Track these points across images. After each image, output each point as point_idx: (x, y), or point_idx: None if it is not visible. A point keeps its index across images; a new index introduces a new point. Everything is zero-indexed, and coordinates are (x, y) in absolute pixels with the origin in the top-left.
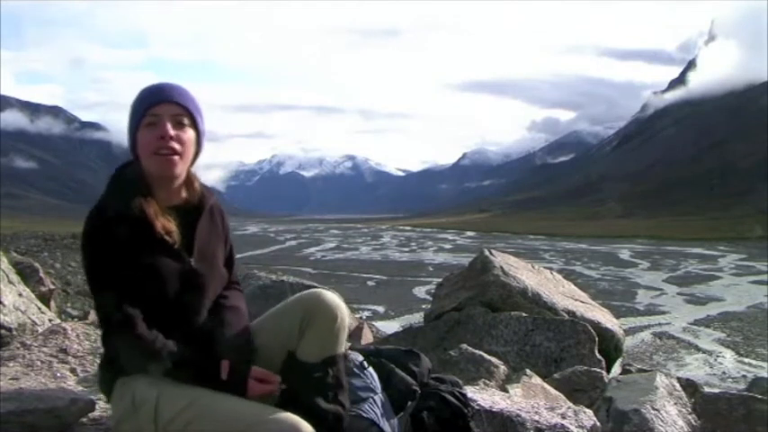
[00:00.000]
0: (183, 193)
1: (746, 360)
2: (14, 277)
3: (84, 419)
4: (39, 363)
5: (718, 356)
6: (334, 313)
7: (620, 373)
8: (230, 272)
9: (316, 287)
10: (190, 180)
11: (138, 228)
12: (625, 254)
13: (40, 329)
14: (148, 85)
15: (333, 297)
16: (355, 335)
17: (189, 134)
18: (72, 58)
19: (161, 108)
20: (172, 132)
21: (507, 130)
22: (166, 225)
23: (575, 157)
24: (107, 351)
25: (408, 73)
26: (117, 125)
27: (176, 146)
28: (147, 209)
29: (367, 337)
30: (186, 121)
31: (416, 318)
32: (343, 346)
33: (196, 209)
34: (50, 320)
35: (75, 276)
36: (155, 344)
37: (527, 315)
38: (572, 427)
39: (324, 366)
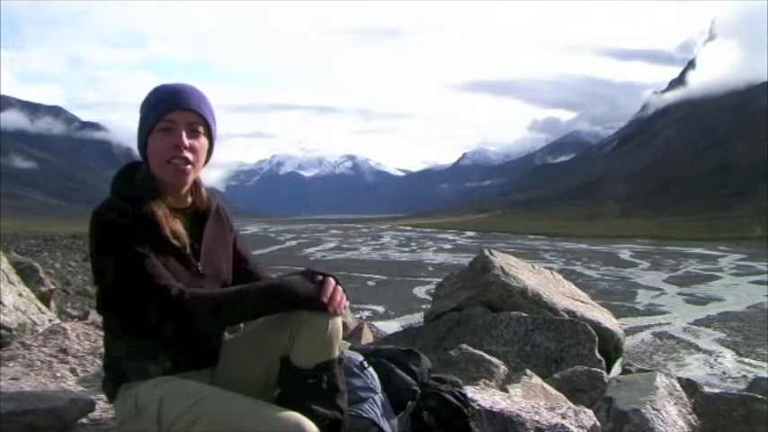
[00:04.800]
0: (189, 198)
1: (746, 360)
2: (14, 277)
3: (84, 419)
4: (39, 363)
5: (718, 356)
6: (325, 320)
7: (620, 373)
8: (247, 260)
9: None
10: (197, 185)
11: (148, 229)
12: (625, 254)
13: (40, 329)
14: (163, 85)
15: None
16: (355, 335)
17: (202, 142)
18: (71, 58)
19: (177, 115)
20: (186, 142)
21: (507, 130)
22: (175, 228)
23: (575, 157)
24: (109, 355)
25: (408, 73)
26: (117, 125)
27: (189, 156)
28: (156, 211)
29: (367, 337)
30: (201, 129)
31: (416, 318)
32: (338, 350)
33: (202, 213)
34: (50, 320)
35: (75, 276)
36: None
37: (527, 315)
38: (572, 427)
39: (318, 372)
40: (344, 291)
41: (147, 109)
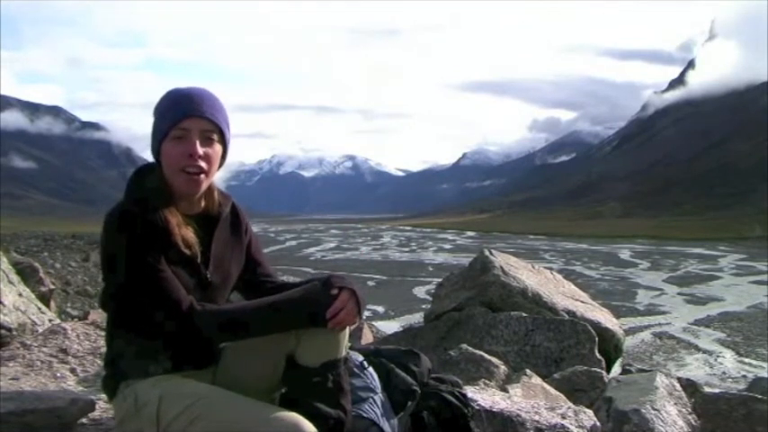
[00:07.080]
0: (202, 203)
1: (746, 360)
2: (14, 277)
3: (85, 419)
4: (39, 363)
5: (718, 356)
6: None
7: (620, 373)
8: (260, 264)
9: None
10: (210, 190)
11: (160, 237)
12: (625, 254)
13: (40, 329)
14: (177, 90)
15: None
16: (355, 335)
17: (216, 149)
18: (71, 58)
19: (191, 122)
20: (200, 151)
21: (508, 129)
22: (187, 237)
23: (575, 157)
24: (110, 353)
25: (408, 73)
26: (117, 125)
27: (203, 164)
28: (170, 220)
29: (367, 337)
30: (215, 136)
31: (416, 318)
32: (344, 349)
33: (214, 218)
34: (50, 320)
35: (75, 276)
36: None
37: (527, 315)
38: (572, 427)
39: (323, 371)
40: (360, 304)
41: (160, 115)
